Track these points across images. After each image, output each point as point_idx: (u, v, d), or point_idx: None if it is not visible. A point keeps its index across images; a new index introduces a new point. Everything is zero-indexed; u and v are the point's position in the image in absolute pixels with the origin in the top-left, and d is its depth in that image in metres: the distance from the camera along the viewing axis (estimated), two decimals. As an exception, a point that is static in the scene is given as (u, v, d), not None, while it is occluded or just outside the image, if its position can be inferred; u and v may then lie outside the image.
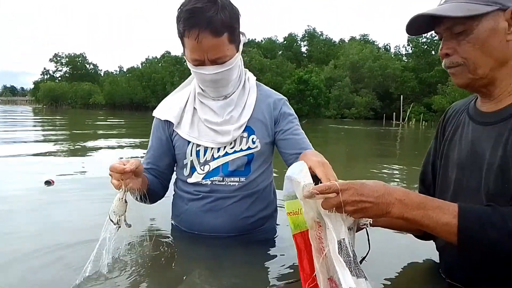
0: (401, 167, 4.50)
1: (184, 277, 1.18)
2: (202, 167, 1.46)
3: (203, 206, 1.45)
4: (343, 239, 0.86)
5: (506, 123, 0.95)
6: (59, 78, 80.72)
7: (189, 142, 1.47)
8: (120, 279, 1.13)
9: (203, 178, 1.46)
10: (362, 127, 18.99)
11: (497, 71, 0.98)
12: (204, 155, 1.46)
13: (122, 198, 1.15)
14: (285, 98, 1.57)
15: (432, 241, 1.21)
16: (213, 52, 1.29)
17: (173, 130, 1.50)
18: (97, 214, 1.66)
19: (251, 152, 1.46)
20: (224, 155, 1.45)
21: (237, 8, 1.34)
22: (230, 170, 1.44)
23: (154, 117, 1.55)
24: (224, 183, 1.45)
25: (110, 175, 1.18)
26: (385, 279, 1.18)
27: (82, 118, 21.15)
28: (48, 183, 2.64)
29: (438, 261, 1.20)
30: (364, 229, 0.96)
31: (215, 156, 1.45)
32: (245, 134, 1.46)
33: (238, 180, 1.45)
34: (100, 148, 5.85)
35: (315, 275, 0.91)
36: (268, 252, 1.42)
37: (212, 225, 1.44)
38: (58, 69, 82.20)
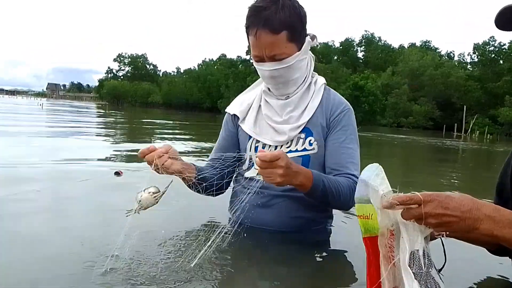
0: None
1: (224, 269, 1.20)
2: None
3: (255, 201, 1.44)
4: (417, 250, 0.83)
5: None
6: (122, 77, 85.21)
7: (250, 137, 1.52)
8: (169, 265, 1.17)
9: (257, 174, 1.48)
10: (420, 137, 18.16)
11: None
12: None
13: (155, 193, 1.16)
14: (350, 107, 1.53)
15: (508, 257, 1.14)
16: (270, 48, 1.33)
17: (238, 124, 1.56)
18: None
19: (306, 154, 1.46)
20: None
21: (303, 9, 1.39)
22: None
23: (225, 112, 1.65)
24: None
25: (144, 161, 1.26)
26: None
27: (155, 115, 22.07)
28: (117, 173, 2.83)
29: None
30: (439, 239, 0.91)
31: None
32: (303, 135, 1.46)
33: None
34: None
35: (381, 281, 0.88)
36: (316, 254, 1.40)
37: (262, 219, 1.46)
38: (121, 68, 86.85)
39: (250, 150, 1.52)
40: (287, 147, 1.47)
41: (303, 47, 1.41)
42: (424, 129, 37.25)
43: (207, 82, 58.23)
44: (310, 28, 1.45)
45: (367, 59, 59.96)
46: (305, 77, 1.50)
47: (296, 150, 1.46)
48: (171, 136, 8.39)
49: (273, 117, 1.49)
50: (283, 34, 1.33)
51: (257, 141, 1.51)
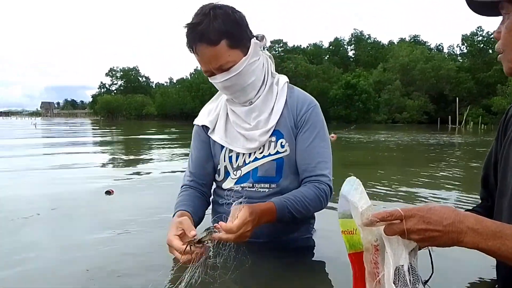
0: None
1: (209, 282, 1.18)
2: (235, 172, 1.49)
3: None
4: (402, 265, 0.81)
5: None
6: (115, 91, 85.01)
7: (223, 147, 1.51)
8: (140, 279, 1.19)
9: (235, 184, 1.49)
10: (415, 135, 18.18)
11: None
12: (237, 160, 1.49)
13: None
14: (316, 103, 1.51)
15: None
16: (214, 61, 1.33)
17: (209, 136, 1.55)
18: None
19: (279, 157, 1.45)
20: (254, 160, 1.46)
21: (239, 13, 1.37)
22: (259, 175, 1.45)
23: (194, 125, 1.62)
24: (254, 189, 1.46)
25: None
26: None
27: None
28: (108, 193, 2.82)
29: (496, 278, 1.13)
30: (427, 249, 0.91)
31: (247, 161, 1.47)
32: (273, 139, 1.45)
33: (268, 186, 1.45)
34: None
35: None
36: (299, 261, 1.40)
37: None
38: (114, 82, 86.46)
39: (224, 161, 1.51)
40: (260, 153, 1.46)
41: (249, 51, 1.38)
42: (419, 123, 37.36)
43: (200, 91, 58.12)
44: (296, 30, 1.42)
45: (358, 57, 60.15)
46: (264, 79, 1.47)
47: (269, 154, 1.45)
48: (169, 151, 8.35)
49: (242, 124, 1.48)
50: (223, 43, 1.31)
51: (230, 150, 1.50)
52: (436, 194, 3.31)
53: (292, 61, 47.38)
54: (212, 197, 1.62)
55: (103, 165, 5.56)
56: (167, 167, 5.18)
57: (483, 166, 1.20)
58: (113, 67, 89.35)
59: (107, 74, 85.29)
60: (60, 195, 3.08)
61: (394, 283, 0.80)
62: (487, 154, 1.19)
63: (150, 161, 6.06)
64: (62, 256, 1.63)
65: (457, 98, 36.46)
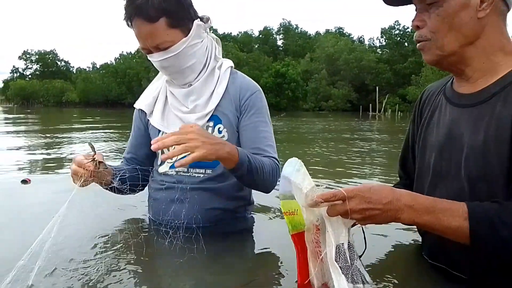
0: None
1: (140, 269, 1.15)
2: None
3: (169, 196, 1.41)
4: (342, 243, 0.84)
5: (486, 106, 0.92)
6: (30, 76, 78.33)
7: (160, 131, 1.46)
8: (79, 272, 1.09)
9: (169, 168, 1.45)
10: (341, 121, 19.15)
11: (466, 49, 0.94)
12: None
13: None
14: (259, 89, 1.48)
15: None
16: (151, 38, 1.28)
17: (147, 119, 1.50)
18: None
19: None
20: None
21: None
22: None
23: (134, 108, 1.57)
24: (188, 174, 1.42)
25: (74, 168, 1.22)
26: (368, 265, 1.15)
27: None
28: (25, 181, 2.63)
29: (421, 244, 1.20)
30: (359, 226, 0.94)
31: None
32: (211, 124, 1.41)
33: (203, 172, 1.41)
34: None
35: (310, 279, 0.90)
36: (236, 245, 1.39)
37: (178, 215, 1.38)
38: (28, 66, 79.89)
39: None
40: None
41: (191, 32, 1.33)
42: (343, 111, 39.38)
43: (126, 77, 55.61)
44: (227, 17, 1.37)
45: (287, 47, 61.59)
46: (206, 63, 1.42)
47: None
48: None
49: (179, 107, 1.43)
50: (161, 21, 1.25)
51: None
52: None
53: (222, 48, 46.96)
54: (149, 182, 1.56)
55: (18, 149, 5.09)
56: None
57: (402, 149, 1.26)
58: (27, 49, 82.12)
59: (20, 58, 78.71)
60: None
61: (336, 261, 0.83)
62: (404, 138, 1.25)
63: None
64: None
65: (377, 88, 38.97)
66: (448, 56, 0.96)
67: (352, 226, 0.90)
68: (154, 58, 1.33)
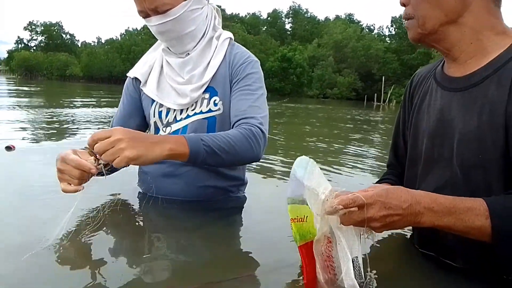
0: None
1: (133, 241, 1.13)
2: (164, 129, 1.40)
3: (162, 170, 1.39)
4: (356, 257, 0.77)
5: (478, 89, 0.89)
6: (34, 48, 77.94)
7: (153, 101, 1.41)
8: (72, 245, 1.04)
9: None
10: (344, 109, 19.02)
11: (448, 27, 0.92)
12: (167, 116, 1.39)
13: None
14: (255, 59, 1.41)
15: None
16: (149, 0, 1.22)
17: (141, 88, 1.45)
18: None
19: (212, 115, 1.36)
20: (186, 118, 1.38)
21: None
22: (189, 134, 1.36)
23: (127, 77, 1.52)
24: None
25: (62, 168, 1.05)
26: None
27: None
28: (9, 148, 2.62)
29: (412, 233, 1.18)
30: None
31: (178, 118, 1.39)
32: (207, 96, 1.36)
33: None
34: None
35: None
36: (229, 222, 1.37)
37: (170, 190, 1.38)
38: (33, 38, 79.48)
39: (154, 116, 1.40)
40: (192, 110, 1.37)
41: None
42: (347, 100, 39.19)
43: (131, 53, 55.28)
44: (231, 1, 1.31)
45: (294, 31, 61.01)
46: (205, 31, 1.37)
47: (201, 112, 1.36)
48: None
49: (175, 78, 1.37)
50: None
51: (161, 105, 1.39)
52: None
53: (229, 29, 46.46)
54: None
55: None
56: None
57: (393, 135, 1.22)
58: (33, 20, 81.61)
59: (25, 28, 78.39)
60: None
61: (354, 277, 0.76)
62: (395, 124, 1.21)
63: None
64: None
65: (383, 78, 38.68)
66: (429, 34, 0.93)
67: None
68: (152, 23, 1.26)
